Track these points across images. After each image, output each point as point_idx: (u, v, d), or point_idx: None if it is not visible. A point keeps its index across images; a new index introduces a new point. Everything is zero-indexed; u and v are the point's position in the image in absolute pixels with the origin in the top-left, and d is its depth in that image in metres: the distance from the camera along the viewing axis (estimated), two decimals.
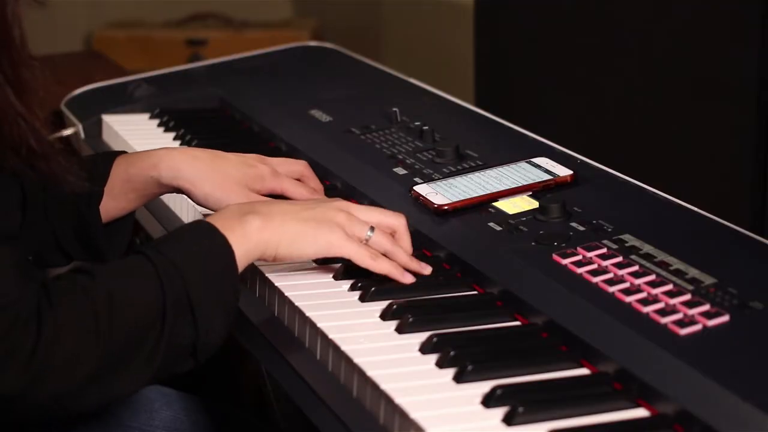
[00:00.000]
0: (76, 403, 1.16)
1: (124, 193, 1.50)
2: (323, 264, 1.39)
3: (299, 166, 1.57)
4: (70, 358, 1.12)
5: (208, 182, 1.48)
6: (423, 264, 1.37)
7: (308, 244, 1.30)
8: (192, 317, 1.19)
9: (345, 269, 1.37)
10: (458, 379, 1.14)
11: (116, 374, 1.16)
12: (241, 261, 1.26)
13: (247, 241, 1.26)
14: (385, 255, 1.34)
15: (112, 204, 1.50)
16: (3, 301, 1.10)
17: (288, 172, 1.55)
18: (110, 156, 1.53)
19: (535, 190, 1.50)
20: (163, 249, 1.21)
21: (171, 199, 1.67)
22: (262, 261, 1.31)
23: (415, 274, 1.35)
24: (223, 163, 1.51)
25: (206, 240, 1.24)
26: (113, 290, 1.16)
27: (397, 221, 1.38)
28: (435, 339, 1.20)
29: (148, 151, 1.53)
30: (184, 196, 1.52)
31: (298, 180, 1.56)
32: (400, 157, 1.67)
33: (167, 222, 1.65)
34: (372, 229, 1.34)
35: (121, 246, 1.53)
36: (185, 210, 1.63)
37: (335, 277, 1.37)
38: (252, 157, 1.55)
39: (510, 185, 1.50)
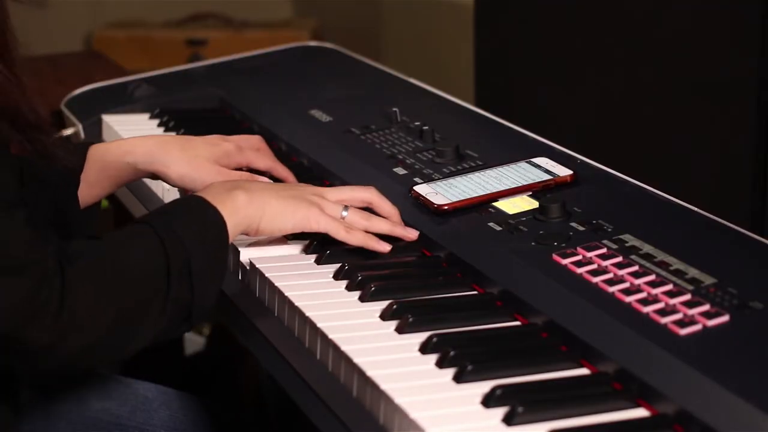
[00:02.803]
0: (95, 357, 1.23)
1: (99, 181, 1.59)
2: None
3: (255, 140, 1.68)
4: (91, 312, 1.18)
5: (183, 163, 1.57)
6: (409, 228, 1.44)
7: (287, 218, 1.38)
8: (190, 283, 1.26)
9: (343, 268, 1.37)
10: (458, 379, 1.14)
11: (130, 329, 1.23)
12: (231, 233, 1.33)
13: (236, 214, 1.34)
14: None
15: (87, 191, 1.58)
16: (28, 261, 1.16)
17: (248, 146, 1.66)
18: (84, 145, 1.61)
19: (535, 190, 1.50)
20: (164, 218, 1.29)
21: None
22: (244, 235, 1.39)
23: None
24: (191, 144, 1.61)
25: (202, 212, 1.32)
26: (123, 252, 1.25)
27: (368, 193, 1.46)
28: (435, 339, 1.20)
29: (120, 140, 1.65)
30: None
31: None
32: (400, 157, 1.67)
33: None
34: (346, 208, 1.42)
35: (92, 230, 1.61)
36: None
37: (335, 277, 1.37)
38: (215, 137, 1.65)
39: (510, 185, 1.50)
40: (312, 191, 1.43)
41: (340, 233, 1.39)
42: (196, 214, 1.32)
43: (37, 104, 1.28)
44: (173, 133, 1.95)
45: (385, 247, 1.41)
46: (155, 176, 1.59)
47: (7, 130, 1.24)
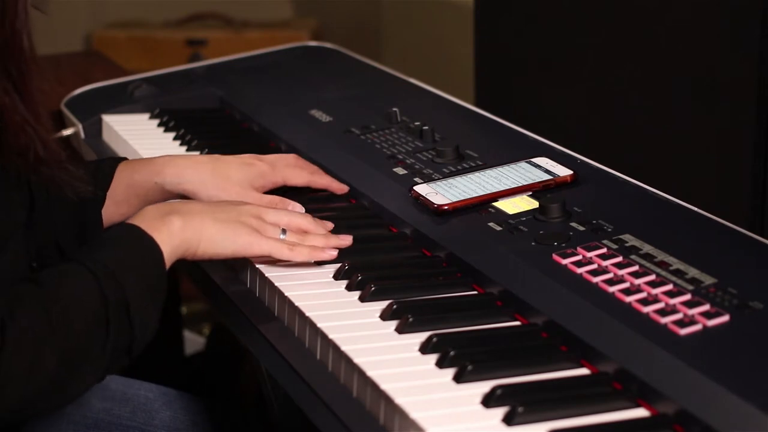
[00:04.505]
0: (35, 408, 1.18)
1: (127, 199, 1.56)
2: None
3: (291, 158, 1.64)
4: (30, 367, 1.14)
5: (212, 185, 1.54)
6: (342, 236, 1.42)
7: (228, 243, 1.35)
8: (129, 321, 1.22)
9: (343, 268, 1.37)
10: (458, 379, 1.14)
11: (70, 379, 1.18)
12: (168, 259, 1.30)
13: (172, 240, 1.31)
14: None
15: (113, 209, 1.55)
16: None
17: (283, 164, 1.62)
18: (113, 162, 1.58)
19: (535, 190, 1.50)
20: (98, 256, 1.24)
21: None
22: (182, 259, 1.35)
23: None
24: (224, 166, 1.57)
25: (136, 243, 1.29)
26: (61, 299, 1.19)
27: (305, 221, 1.43)
28: (435, 339, 1.20)
29: (150, 158, 1.59)
30: None
31: None
32: (400, 157, 1.67)
33: None
34: (284, 231, 1.39)
35: None
36: None
37: (335, 277, 1.37)
38: (249, 157, 1.61)
39: (510, 185, 1.50)
40: (249, 212, 1.39)
41: (284, 253, 1.37)
42: (131, 247, 1.28)
43: (51, 139, 1.27)
44: (173, 134, 1.95)
45: (332, 254, 1.39)
46: (184, 197, 1.55)
47: (18, 163, 1.23)
